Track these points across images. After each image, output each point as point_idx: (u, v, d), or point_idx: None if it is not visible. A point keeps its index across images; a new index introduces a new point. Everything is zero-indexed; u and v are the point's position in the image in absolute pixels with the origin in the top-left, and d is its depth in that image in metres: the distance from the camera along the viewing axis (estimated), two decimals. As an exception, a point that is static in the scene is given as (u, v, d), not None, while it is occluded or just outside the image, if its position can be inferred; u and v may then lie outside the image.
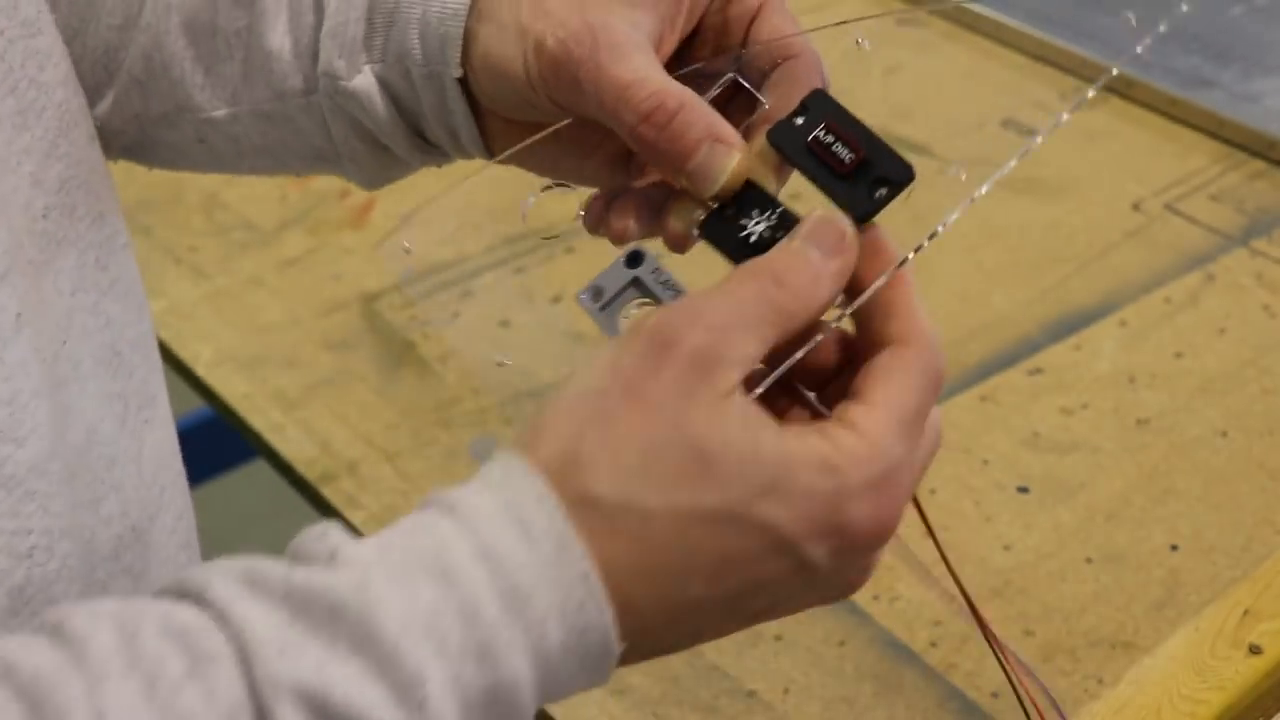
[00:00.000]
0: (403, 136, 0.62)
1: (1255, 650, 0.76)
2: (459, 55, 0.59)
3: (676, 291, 0.54)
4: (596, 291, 0.54)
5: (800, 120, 0.52)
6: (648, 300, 0.54)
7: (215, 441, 1.57)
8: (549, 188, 0.59)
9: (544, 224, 0.63)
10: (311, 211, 1.17)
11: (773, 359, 0.49)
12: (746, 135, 0.55)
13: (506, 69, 0.57)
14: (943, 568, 0.55)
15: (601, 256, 0.55)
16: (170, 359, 1.07)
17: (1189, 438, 0.94)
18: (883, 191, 0.50)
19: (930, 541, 0.54)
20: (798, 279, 0.48)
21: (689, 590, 0.46)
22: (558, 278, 1.06)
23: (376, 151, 0.64)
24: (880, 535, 0.47)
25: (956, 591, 0.55)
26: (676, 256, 0.55)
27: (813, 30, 0.57)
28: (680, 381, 0.46)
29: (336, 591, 0.42)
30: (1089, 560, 0.86)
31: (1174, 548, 0.86)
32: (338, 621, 0.42)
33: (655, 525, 0.45)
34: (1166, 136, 1.21)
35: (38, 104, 0.57)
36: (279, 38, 0.63)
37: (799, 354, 0.49)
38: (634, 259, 0.54)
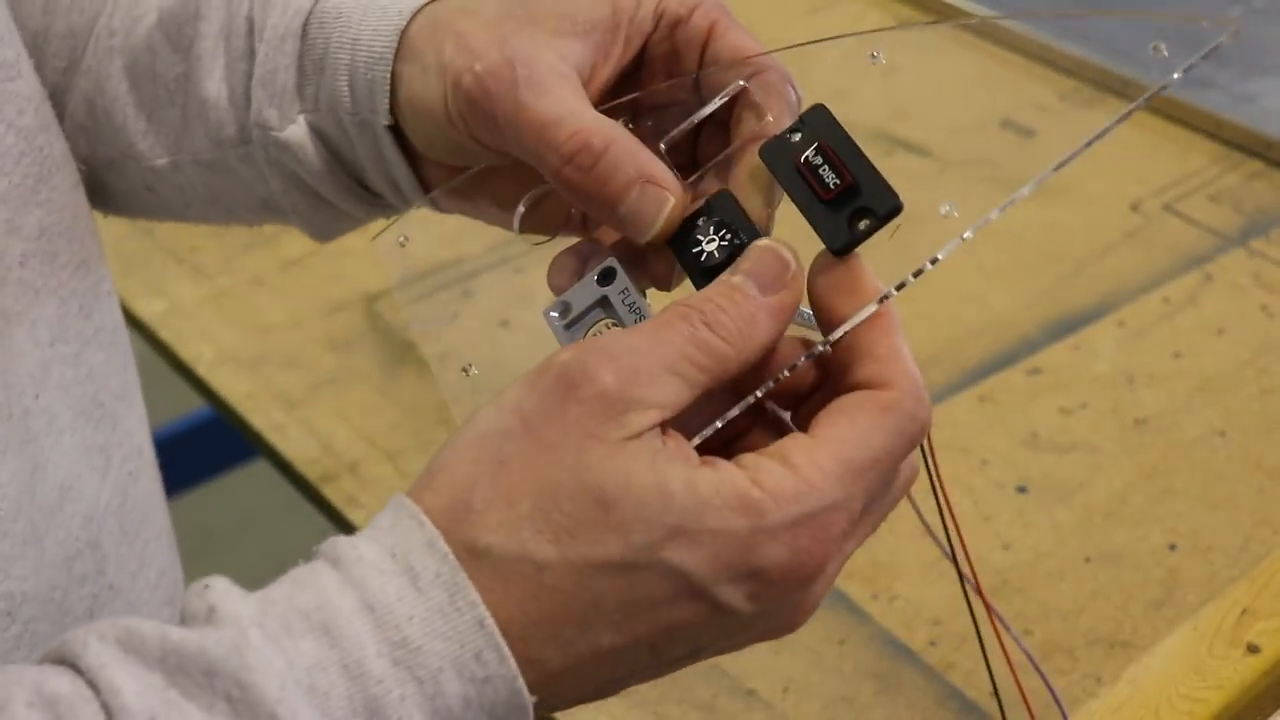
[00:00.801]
0: (343, 188, 0.60)
1: (1253, 649, 0.76)
2: (387, 102, 0.56)
3: (640, 318, 0.50)
4: (564, 308, 0.51)
5: (795, 137, 0.49)
6: (616, 323, 0.50)
7: (217, 441, 1.58)
8: (538, 198, 0.56)
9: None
10: (313, 212, 1.17)
11: (733, 389, 0.46)
12: (736, 156, 0.51)
13: (429, 109, 0.54)
14: (956, 559, 0.54)
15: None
16: (172, 359, 1.07)
17: (1187, 438, 0.94)
18: (865, 223, 0.47)
19: (937, 535, 0.54)
20: (730, 319, 0.45)
21: (598, 639, 0.43)
22: (558, 278, 1.06)
23: (317, 204, 0.61)
24: (802, 579, 0.44)
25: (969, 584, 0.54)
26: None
27: (784, 49, 0.54)
28: (583, 423, 0.43)
29: (212, 651, 0.40)
30: (1087, 560, 0.86)
31: (1172, 547, 0.86)
32: (214, 683, 0.40)
33: (551, 576, 0.43)
34: (1165, 137, 1.22)
35: (15, 149, 0.55)
36: (215, 85, 0.60)
37: (734, 411, 0.46)
38: (606, 277, 0.51)
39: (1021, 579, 0.85)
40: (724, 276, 0.47)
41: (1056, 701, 0.58)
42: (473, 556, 0.43)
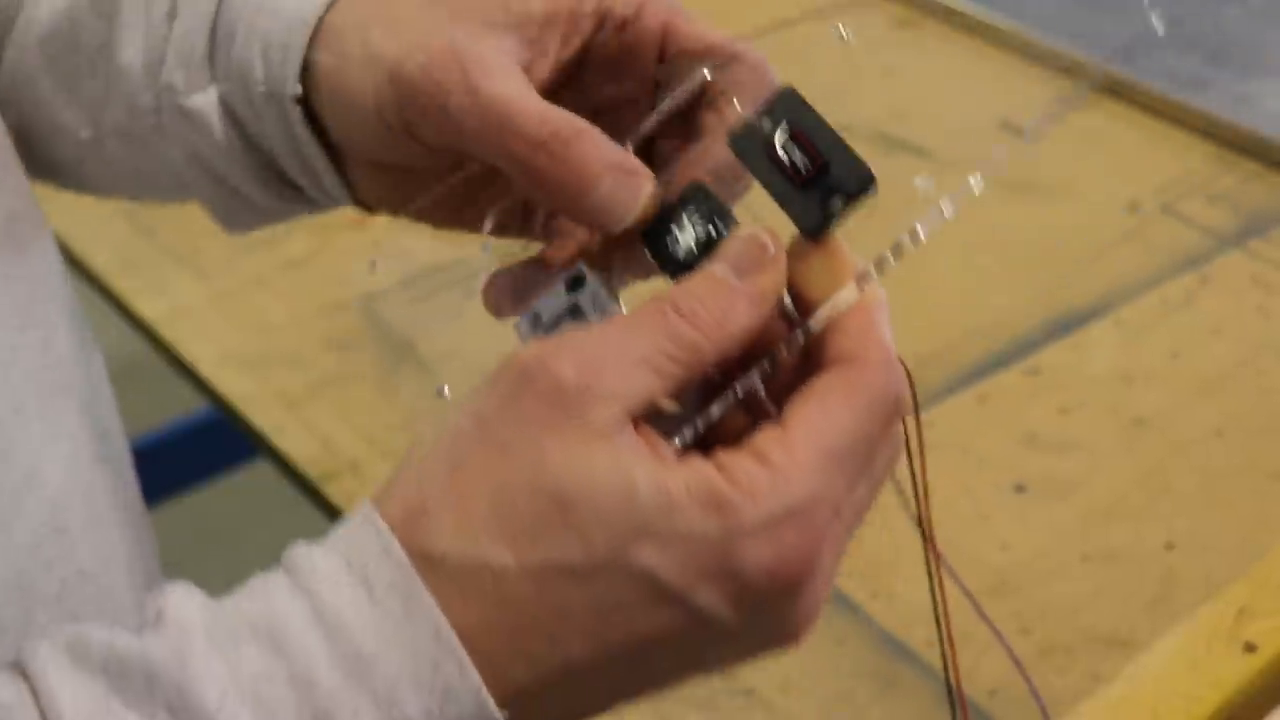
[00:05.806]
0: (252, 173, 0.57)
1: (1250, 648, 0.76)
2: (297, 70, 0.52)
3: None
4: (535, 319, 0.48)
5: (765, 122, 0.47)
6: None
7: (218, 441, 1.59)
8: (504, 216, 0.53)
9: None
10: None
11: (724, 385, 0.44)
12: (704, 152, 0.49)
13: (356, 103, 0.51)
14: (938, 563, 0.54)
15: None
16: (173, 359, 1.07)
17: (1185, 437, 0.94)
18: (837, 201, 0.45)
19: (915, 508, 0.53)
20: (705, 308, 0.43)
21: (568, 651, 0.41)
22: (558, 278, 1.07)
23: (219, 187, 0.58)
24: (789, 578, 0.41)
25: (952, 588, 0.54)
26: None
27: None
28: (539, 417, 0.41)
29: (152, 657, 0.39)
30: (1086, 559, 0.86)
31: (1170, 546, 0.87)
32: (154, 691, 0.38)
33: (510, 583, 0.40)
34: (1162, 138, 1.22)
35: None
36: (133, 51, 0.58)
37: (714, 408, 0.44)
38: (576, 283, 0.48)
39: (1020, 578, 0.85)
40: (702, 266, 0.45)
41: (1040, 704, 0.57)
42: (429, 564, 0.40)
